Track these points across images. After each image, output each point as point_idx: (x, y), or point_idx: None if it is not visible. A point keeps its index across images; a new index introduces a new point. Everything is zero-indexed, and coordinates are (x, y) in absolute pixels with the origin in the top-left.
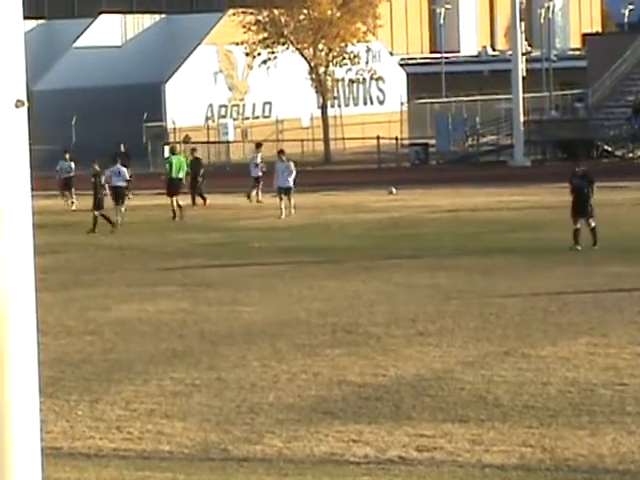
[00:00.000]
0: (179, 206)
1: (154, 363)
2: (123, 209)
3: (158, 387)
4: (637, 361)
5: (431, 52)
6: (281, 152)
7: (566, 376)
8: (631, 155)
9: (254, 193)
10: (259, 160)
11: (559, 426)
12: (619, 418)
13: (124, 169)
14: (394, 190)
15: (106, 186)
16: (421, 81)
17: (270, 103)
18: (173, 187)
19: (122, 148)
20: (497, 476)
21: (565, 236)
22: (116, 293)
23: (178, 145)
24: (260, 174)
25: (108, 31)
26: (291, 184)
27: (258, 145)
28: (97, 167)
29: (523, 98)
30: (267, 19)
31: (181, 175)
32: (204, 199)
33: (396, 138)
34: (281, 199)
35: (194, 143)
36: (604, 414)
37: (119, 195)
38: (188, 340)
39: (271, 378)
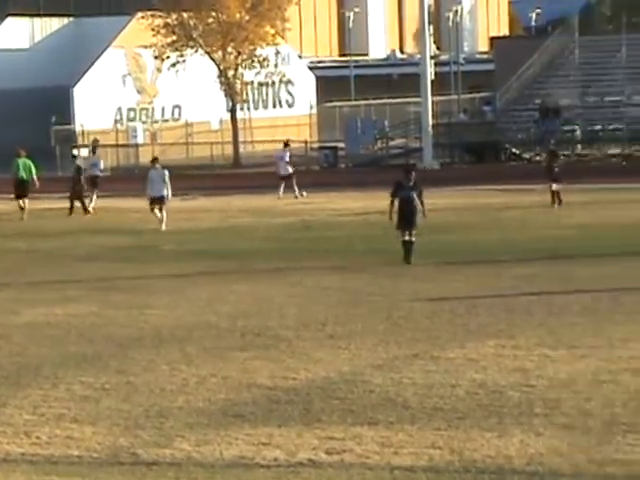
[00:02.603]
0: (22, 208)
1: (63, 367)
2: (95, 196)
3: (67, 391)
4: (545, 363)
5: (340, 55)
6: (155, 160)
7: (474, 378)
8: (538, 158)
9: (281, 191)
10: (287, 158)
11: (467, 428)
12: (527, 420)
13: (100, 161)
14: (304, 193)
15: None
16: (330, 84)
17: (179, 106)
18: (20, 189)
19: (22, 152)
20: (406, 478)
21: (474, 238)
22: (25, 297)
23: (22, 150)
24: (291, 170)
25: (16, 34)
26: (165, 193)
27: (286, 144)
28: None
29: (432, 101)
30: (176, 22)
31: (26, 176)
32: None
33: (305, 141)
34: (152, 210)
35: (103, 146)
36: (512, 416)
37: (94, 183)
38: (97, 344)
39: (180, 382)
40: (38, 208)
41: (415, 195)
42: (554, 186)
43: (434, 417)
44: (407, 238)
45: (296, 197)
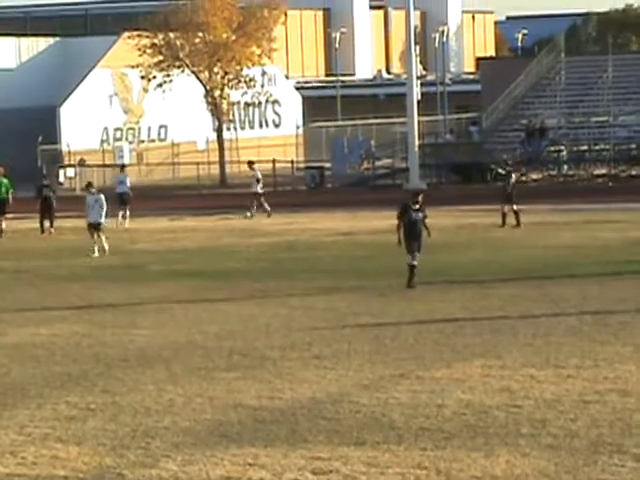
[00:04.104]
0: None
1: (49, 387)
2: (127, 213)
3: (53, 411)
4: (531, 383)
5: (327, 75)
6: (89, 185)
7: (461, 398)
8: (524, 178)
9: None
10: (259, 175)
11: (454, 448)
12: (513, 440)
13: (127, 178)
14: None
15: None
16: (317, 104)
17: (166, 126)
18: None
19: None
20: None
21: (460, 258)
22: (10, 317)
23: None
24: (259, 189)
25: (2, 54)
26: (102, 219)
27: (251, 162)
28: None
29: (418, 122)
30: (162, 42)
31: (5, 196)
32: (51, 225)
33: (292, 161)
34: (92, 235)
35: (89, 166)
36: (498, 436)
37: (123, 201)
38: (83, 364)
39: (166, 402)
40: (22, 228)
41: (420, 218)
42: (506, 207)
43: (420, 437)
44: (415, 263)
45: (247, 216)
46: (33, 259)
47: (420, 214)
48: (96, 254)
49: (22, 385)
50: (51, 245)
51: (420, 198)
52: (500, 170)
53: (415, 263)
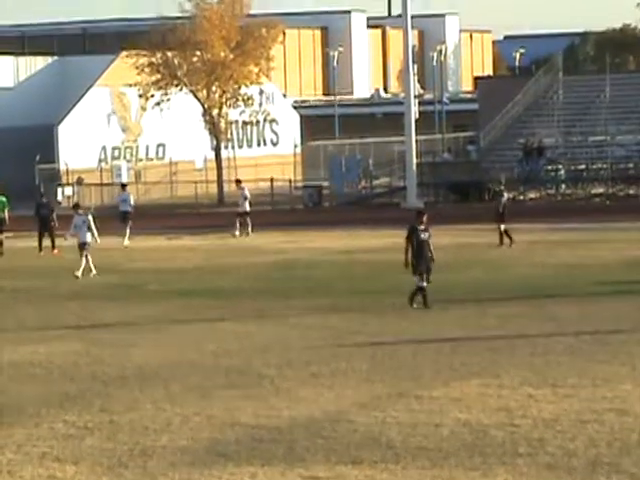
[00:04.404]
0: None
1: (46, 406)
2: (128, 230)
3: (50, 430)
4: (529, 402)
5: (324, 94)
6: (76, 206)
7: (458, 417)
8: (522, 197)
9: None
10: (248, 194)
11: (451, 467)
12: (511, 459)
13: (130, 196)
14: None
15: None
16: (315, 123)
17: (164, 145)
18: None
19: None
20: None
21: (459, 277)
22: (8, 335)
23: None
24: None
25: (0, 73)
26: (88, 239)
27: (239, 181)
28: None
29: (416, 140)
30: (160, 61)
31: (2, 215)
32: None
33: (290, 180)
34: (81, 255)
35: (87, 185)
36: (496, 455)
37: (125, 219)
38: (80, 382)
39: (164, 420)
40: (19, 246)
41: (427, 238)
42: (502, 226)
43: (418, 456)
44: (424, 284)
45: (235, 236)
46: (31, 278)
47: (427, 233)
48: (79, 273)
49: (19, 404)
50: (48, 264)
51: (425, 218)
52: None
53: (423, 285)
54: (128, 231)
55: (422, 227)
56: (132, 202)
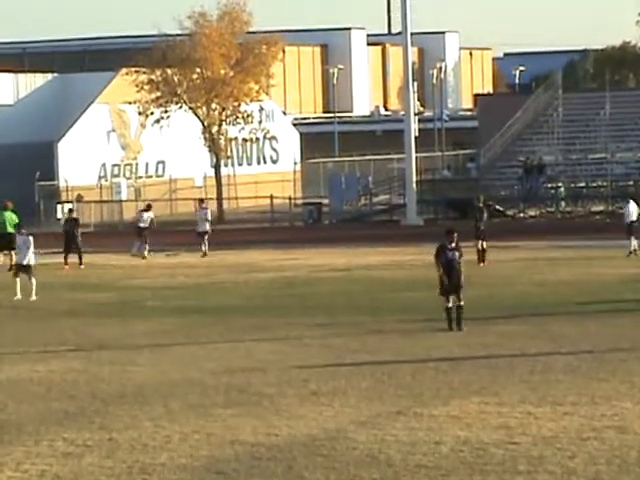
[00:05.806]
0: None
1: (45, 424)
2: (147, 247)
3: (49, 448)
4: (528, 420)
5: (324, 112)
6: (19, 226)
7: (458, 435)
8: (522, 215)
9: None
10: (209, 215)
11: None
12: (510, 477)
13: (147, 214)
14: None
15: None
16: (314, 141)
17: (163, 162)
18: (6, 242)
19: (9, 204)
20: None
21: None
22: (7, 353)
23: (9, 202)
24: (208, 228)
25: (0, 89)
26: (31, 261)
27: (201, 200)
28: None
29: (416, 158)
30: (160, 78)
31: (12, 230)
32: (80, 259)
33: (289, 197)
34: (16, 276)
35: (87, 202)
36: (496, 473)
37: (140, 234)
38: (80, 400)
39: (163, 438)
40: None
41: (457, 257)
42: (480, 244)
43: (417, 474)
44: (451, 305)
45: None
46: (30, 294)
47: (457, 253)
48: (18, 296)
49: (18, 421)
50: (47, 280)
51: (454, 237)
52: (498, 207)
53: (450, 305)
54: (138, 246)
55: (451, 246)
56: (145, 217)
